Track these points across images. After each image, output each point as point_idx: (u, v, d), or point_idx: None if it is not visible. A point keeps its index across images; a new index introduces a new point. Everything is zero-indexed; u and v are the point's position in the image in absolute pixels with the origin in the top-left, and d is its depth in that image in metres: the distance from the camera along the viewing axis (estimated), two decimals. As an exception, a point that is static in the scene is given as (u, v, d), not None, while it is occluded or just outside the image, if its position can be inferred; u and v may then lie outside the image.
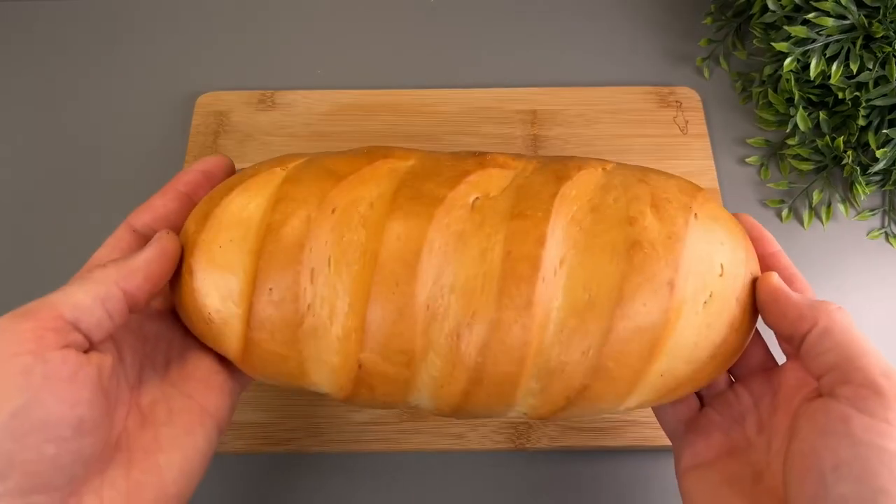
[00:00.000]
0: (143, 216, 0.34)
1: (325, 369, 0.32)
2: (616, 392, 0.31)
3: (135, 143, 0.55)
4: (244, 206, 0.32)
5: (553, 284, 0.31)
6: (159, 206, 0.34)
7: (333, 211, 0.31)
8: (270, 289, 0.31)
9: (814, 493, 0.26)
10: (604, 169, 0.34)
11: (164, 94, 0.58)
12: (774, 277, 0.32)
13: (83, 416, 0.26)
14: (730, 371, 0.36)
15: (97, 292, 0.28)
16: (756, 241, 0.35)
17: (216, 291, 0.31)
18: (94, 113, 0.57)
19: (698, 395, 0.37)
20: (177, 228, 0.34)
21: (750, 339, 0.34)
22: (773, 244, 0.35)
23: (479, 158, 0.34)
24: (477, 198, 0.32)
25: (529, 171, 0.34)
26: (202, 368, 0.34)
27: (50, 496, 0.26)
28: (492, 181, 0.33)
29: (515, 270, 0.30)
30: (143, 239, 0.33)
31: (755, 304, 0.33)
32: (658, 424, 0.38)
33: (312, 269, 0.31)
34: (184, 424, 0.31)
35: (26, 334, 0.25)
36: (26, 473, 0.25)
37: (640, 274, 0.30)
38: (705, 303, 0.31)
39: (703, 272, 0.31)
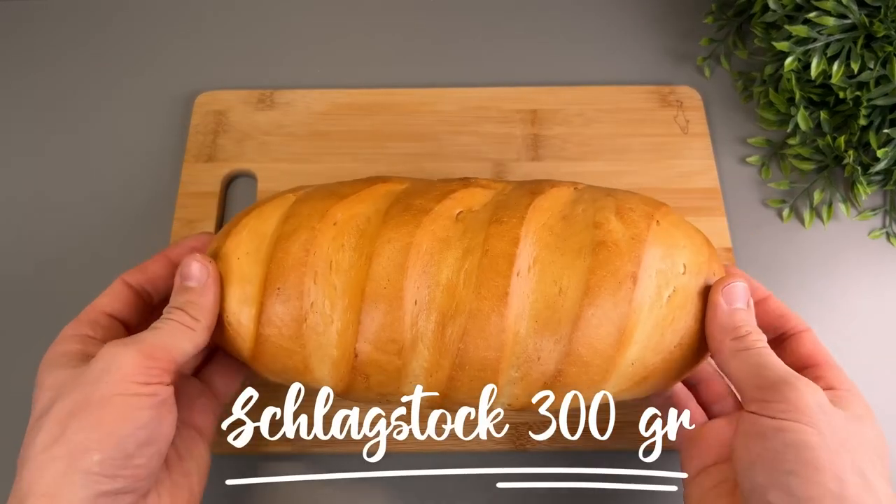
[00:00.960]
0: (136, 276, 0.38)
1: (326, 362, 0.35)
2: (591, 378, 0.34)
3: (134, 141, 0.55)
4: (259, 225, 0.37)
5: (527, 279, 0.34)
6: (150, 270, 0.38)
7: (335, 223, 0.36)
8: (279, 288, 0.35)
9: (747, 488, 0.31)
10: (575, 188, 0.39)
11: (162, 94, 0.57)
12: (720, 291, 0.35)
13: (172, 436, 0.32)
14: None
15: (196, 343, 0.34)
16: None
17: (233, 297, 0.36)
18: (94, 112, 0.57)
19: (709, 411, 0.39)
20: (161, 292, 0.39)
21: None
22: (761, 290, 0.38)
23: (465, 181, 0.39)
24: (461, 211, 0.37)
25: (508, 190, 0.38)
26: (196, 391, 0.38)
27: (130, 499, 0.30)
28: (474, 198, 0.38)
29: (493, 266, 0.34)
30: (138, 294, 0.38)
31: None
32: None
33: (316, 271, 0.35)
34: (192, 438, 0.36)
35: (153, 371, 0.31)
36: (131, 477, 0.30)
37: (605, 268, 0.34)
38: (669, 297, 0.35)
39: (666, 270, 0.35)
